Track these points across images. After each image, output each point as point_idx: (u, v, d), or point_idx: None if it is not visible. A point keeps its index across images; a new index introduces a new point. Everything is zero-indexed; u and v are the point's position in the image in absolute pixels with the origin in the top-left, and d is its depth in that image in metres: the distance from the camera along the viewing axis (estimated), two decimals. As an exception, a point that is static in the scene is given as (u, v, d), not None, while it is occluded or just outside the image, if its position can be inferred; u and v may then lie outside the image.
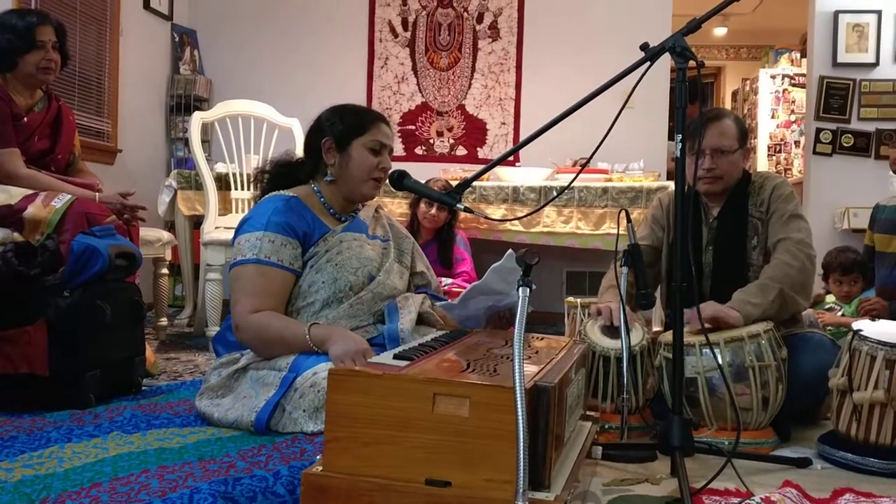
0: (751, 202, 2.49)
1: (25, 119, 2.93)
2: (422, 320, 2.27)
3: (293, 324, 2.13)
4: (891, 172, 3.76)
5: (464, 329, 2.12)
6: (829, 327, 3.24)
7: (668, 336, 2.24)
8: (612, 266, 2.64)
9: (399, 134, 5.40)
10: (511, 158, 4.73)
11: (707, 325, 2.18)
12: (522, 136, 5.26)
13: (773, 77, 8.12)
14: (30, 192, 2.75)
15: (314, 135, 2.32)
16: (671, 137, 2.09)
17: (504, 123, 5.38)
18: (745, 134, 2.53)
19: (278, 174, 2.38)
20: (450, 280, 3.87)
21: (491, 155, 5.35)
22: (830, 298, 3.60)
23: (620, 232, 2.26)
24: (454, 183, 2.96)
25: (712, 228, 2.52)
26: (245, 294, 2.12)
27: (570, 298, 3.58)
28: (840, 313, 3.45)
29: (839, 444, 2.08)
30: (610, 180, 4.26)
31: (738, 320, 2.22)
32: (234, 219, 3.96)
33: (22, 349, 2.32)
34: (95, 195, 2.99)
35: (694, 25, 1.84)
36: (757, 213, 2.47)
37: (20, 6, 3.80)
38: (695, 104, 2.02)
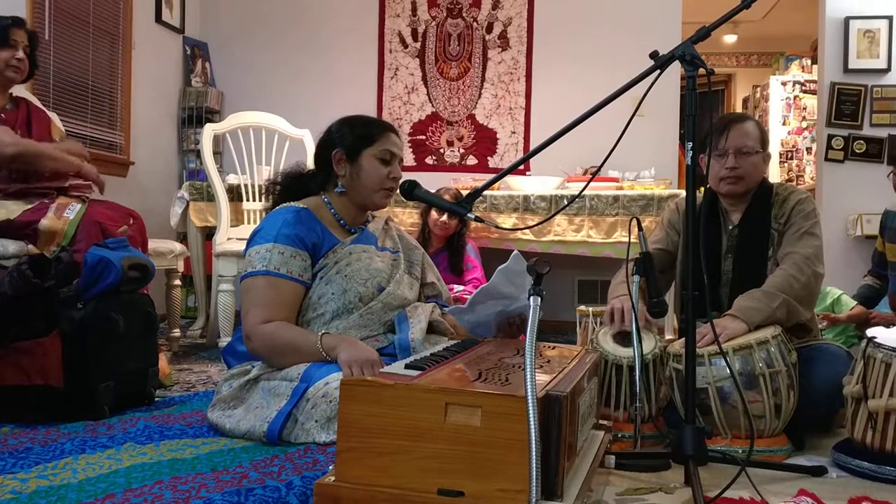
0: (773, 214, 2.47)
1: (3, 115, 2.99)
2: (432, 329, 2.27)
3: (304, 333, 2.15)
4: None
5: (475, 338, 2.12)
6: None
7: (676, 347, 2.24)
8: (617, 273, 2.63)
9: (409, 144, 5.42)
10: (521, 167, 4.74)
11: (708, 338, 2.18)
12: (533, 145, 5.26)
13: (784, 84, 8.10)
14: (29, 206, 2.75)
15: (324, 147, 2.34)
16: (683, 142, 2.09)
17: (514, 132, 5.38)
18: (766, 139, 2.53)
19: (289, 186, 2.40)
20: (461, 287, 3.88)
21: (501, 164, 5.35)
22: None
23: (632, 240, 2.25)
24: (465, 192, 2.97)
25: (732, 236, 2.51)
26: (255, 305, 2.13)
27: (582, 307, 3.58)
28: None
29: (855, 453, 2.06)
30: (621, 188, 4.25)
31: (742, 330, 2.20)
32: (246, 230, 3.97)
33: (37, 361, 2.33)
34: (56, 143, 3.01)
35: (704, 33, 1.84)
36: (776, 224, 2.46)
37: (34, 16, 3.84)
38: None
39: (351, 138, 2.29)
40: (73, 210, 2.77)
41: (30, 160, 2.86)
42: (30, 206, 2.76)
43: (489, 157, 5.41)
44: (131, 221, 2.98)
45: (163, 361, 2.83)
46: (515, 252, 2.13)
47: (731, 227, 2.52)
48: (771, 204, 2.48)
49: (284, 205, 2.29)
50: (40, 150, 2.89)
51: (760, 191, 2.50)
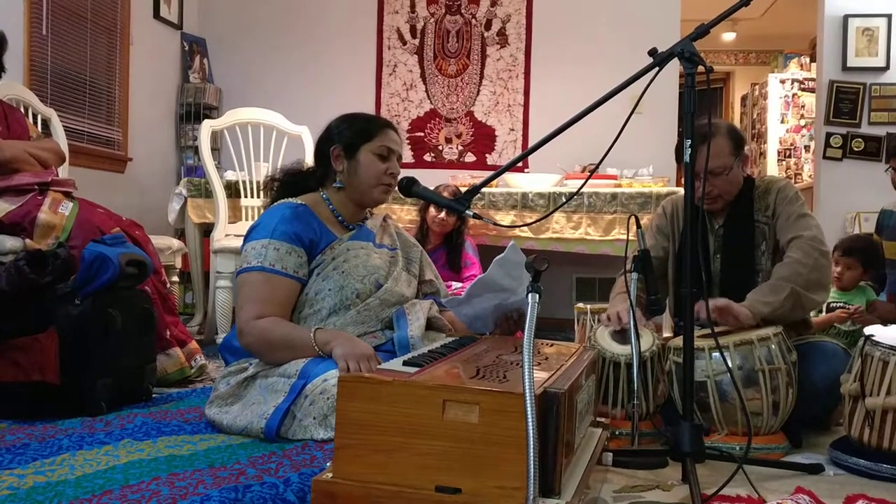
0: (756, 208, 2.47)
1: None
2: (431, 326, 2.27)
3: (297, 328, 2.15)
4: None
5: (473, 336, 2.12)
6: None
7: (676, 341, 2.24)
8: (620, 273, 2.64)
9: (408, 141, 5.41)
10: (520, 164, 4.74)
11: (714, 319, 2.18)
12: (531, 143, 5.26)
13: (783, 82, 8.10)
14: (12, 206, 2.71)
15: (323, 143, 2.34)
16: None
17: (513, 130, 5.38)
18: (740, 142, 2.47)
19: (288, 182, 2.40)
20: (459, 284, 3.88)
21: (500, 161, 5.35)
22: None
23: (630, 238, 2.25)
24: (463, 189, 2.97)
25: (719, 236, 2.51)
26: (249, 301, 2.13)
27: (580, 304, 3.59)
28: (840, 305, 3.41)
29: (852, 450, 2.07)
30: (619, 186, 4.25)
31: (748, 317, 2.21)
32: (244, 226, 3.97)
33: (34, 357, 2.33)
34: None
35: (702, 31, 1.84)
36: (763, 218, 2.46)
37: (31, 12, 3.83)
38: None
39: (349, 134, 2.30)
40: (67, 207, 2.76)
41: (8, 163, 2.82)
42: (16, 205, 2.72)
43: (487, 155, 5.40)
44: (123, 219, 2.97)
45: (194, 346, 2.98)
46: (512, 243, 2.13)
47: (717, 228, 2.53)
48: (753, 199, 2.48)
49: (282, 201, 2.29)
50: (15, 155, 2.84)
51: (742, 189, 2.49)
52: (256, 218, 2.36)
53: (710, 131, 2.31)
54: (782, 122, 8.10)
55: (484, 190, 3.49)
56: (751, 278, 2.43)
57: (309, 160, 2.48)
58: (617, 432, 2.22)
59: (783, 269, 2.33)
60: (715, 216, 2.53)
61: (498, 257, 2.10)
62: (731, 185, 2.45)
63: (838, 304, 3.45)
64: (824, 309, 3.43)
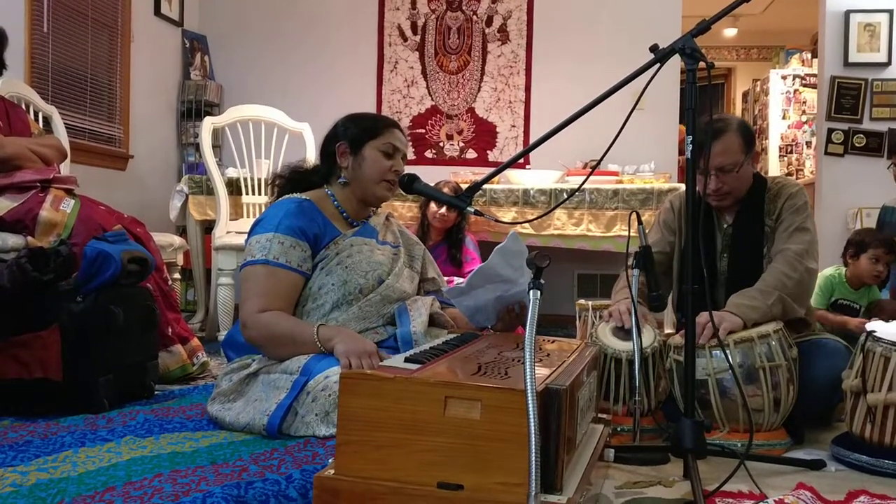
0: (766, 210, 2.46)
1: None
2: (433, 322, 2.27)
3: (301, 323, 2.16)
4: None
5: (475, 332, 2.12)
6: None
7: (677, 339, 2.24)
8: (619, 279, 2.63)
9: (409, 138, 5.39)
10: (521, 161, 4.74)
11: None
12: (532, 139, 5.25)
13: (784, 78, 8.09)
14: (14, 203, 2.71)
15: (329, 141, 2.37)
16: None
17: (514, 126, 5.37)
18: (752, 139, 2.46)
19: (293, 179, 2.41)
20: (460, 280, 3.88)
21: (501, 158, 5.35)
22: (836, 286, 3.46)
23: (632, 234, 2.25)
24: (464, 185, 2.97)
25: (727, 235, 2.50)
26: (254, 294, 2.14)
27: (582, 301, 3.59)
28: (849, 304, 3.40)
29: (853, 446, 2.07)
30: (621, 182, 4.25)
31: (739, 326, 2.20)
32: (246, 223, 3.97)
33: (36, 354, 2.33)
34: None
35: (704, 26, 1.84)
36: (770, 221, 2.45)
37: (32, 9, 3.83)
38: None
39: (355, 131, 2.32)
40: (69, 204, 2.76)
41: (10, 160, 2.81)
42: (18, 203, 2.72)
43: (489, 151, 5.40)
44: (125, 216, 2.97)
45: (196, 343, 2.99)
46: (513, 232, 2.12)
47: (725, 227, 2.51)
48: (763, 200, 2.47)
49: (287, 196, 2.30)
50: (17, 152, 2.83)
51: (753, 188, 2.48)
52: (258, 215, 2.36)
53: (716, 128, 2.31)
54: (784, 117, 8.10)
55: (485, 186, 3.48)
56: (757, 279, 2.41)
57: (311, 158, 2.49)
58: (618, 429, 2.22)
59: (769, 276, 2.32)
60: (724, 214, 2.52)
61: (498, 246, 2.09)
62: (741, 182, 2.44)
63: (846, 302, 3.43)
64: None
